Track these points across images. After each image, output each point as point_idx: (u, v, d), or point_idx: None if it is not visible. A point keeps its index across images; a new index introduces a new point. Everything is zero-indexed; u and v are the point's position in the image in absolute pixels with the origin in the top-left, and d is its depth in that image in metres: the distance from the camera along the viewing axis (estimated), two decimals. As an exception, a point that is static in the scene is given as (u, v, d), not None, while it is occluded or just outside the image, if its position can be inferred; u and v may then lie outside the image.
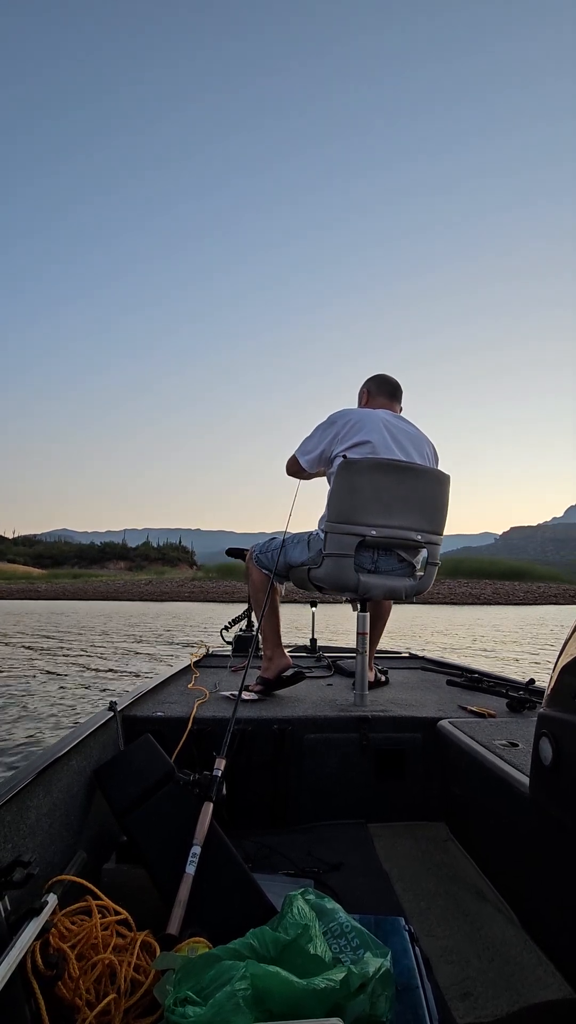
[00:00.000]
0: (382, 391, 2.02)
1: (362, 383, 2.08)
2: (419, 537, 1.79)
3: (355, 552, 1.71)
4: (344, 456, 1.73)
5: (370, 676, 2.02)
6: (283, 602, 2.11)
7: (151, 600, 37.66)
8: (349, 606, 1.93)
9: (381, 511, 1.72)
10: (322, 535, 1.76)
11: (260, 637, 1.93)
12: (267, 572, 1.96)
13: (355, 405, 2.06)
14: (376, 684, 2.05)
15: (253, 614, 2.63)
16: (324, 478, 2.01)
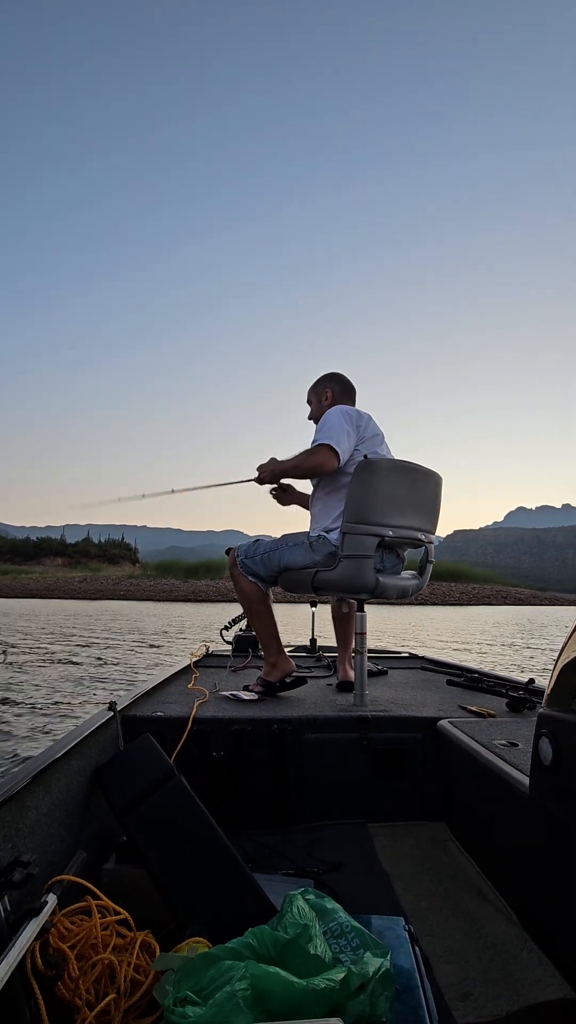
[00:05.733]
0: (347, 395, 1.99)
1: (314, 385, 2.02)
2: (423, 536, 1.81)
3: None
4: (365, 456, 1.72)
5: (350, 674, 2.01)
6: (282, 602, 2.08)
7: (83, 599, 35.96)
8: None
9: (395, 511, 1.72)
10: (330, 536, 1.75)
11: (260, 643, 1.92)
12: (254, 579, 1.85)
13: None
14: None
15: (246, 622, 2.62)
16: (307, 480, 1.96)
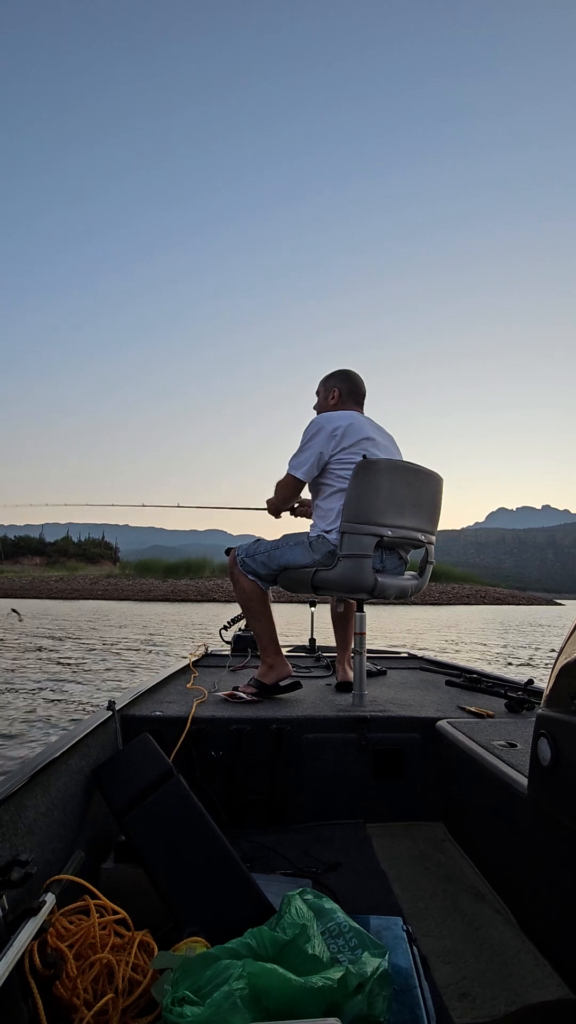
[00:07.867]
0: (352, 399, 1.97)
1: (325, 378, 2.01)
2: (423, 537, 1.81)
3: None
4: (364, 455, 1.73)
5: (349, 675, 2.01)
6: (278, 602, 2.08)
7: (59, 598, 34.75)
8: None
9: (395, 512, 1.73)
10: (329, 536, 1.75)
11: (258, 644, 1.92)
12: (253, 578, 1.87)
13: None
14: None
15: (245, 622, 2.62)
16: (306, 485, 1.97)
